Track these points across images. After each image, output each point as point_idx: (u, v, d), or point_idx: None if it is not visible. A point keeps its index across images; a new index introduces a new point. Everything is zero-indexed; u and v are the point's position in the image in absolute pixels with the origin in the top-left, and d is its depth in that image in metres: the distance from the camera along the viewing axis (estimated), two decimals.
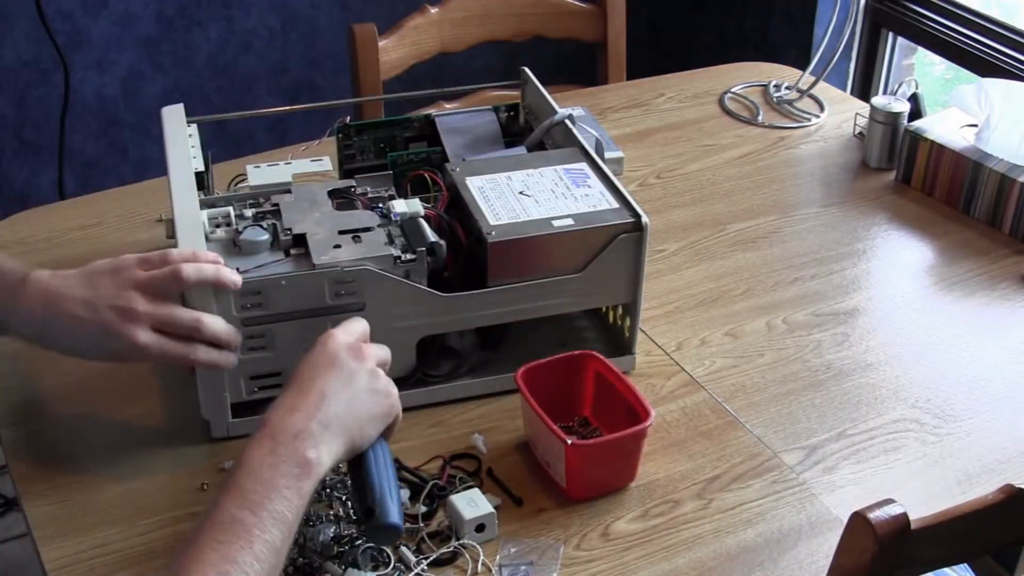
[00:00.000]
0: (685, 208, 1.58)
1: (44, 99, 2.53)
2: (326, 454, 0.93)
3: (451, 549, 1.03)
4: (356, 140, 1.36)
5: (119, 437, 1.17)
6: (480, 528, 1.04)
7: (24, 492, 1.10)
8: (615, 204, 1.20)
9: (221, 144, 1.29)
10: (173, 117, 1.31)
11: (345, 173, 1.35)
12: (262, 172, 1.26)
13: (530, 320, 1.21)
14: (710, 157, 1.70)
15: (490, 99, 1.84)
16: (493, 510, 1.05)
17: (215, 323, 1.07)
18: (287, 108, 1.34)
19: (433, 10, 1.94)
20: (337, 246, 1.13)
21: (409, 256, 1.13)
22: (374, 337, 1.13)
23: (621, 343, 1.27)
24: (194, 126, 1.32)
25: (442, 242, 1.15)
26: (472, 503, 1.05)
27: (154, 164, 2.69)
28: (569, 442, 1.06)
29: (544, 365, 1.15)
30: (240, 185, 1.32)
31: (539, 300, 1.19)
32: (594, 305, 1.26)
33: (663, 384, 1.26)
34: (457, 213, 1.21)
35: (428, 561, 1.02)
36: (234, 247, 1.14)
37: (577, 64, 2.31)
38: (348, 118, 1.36)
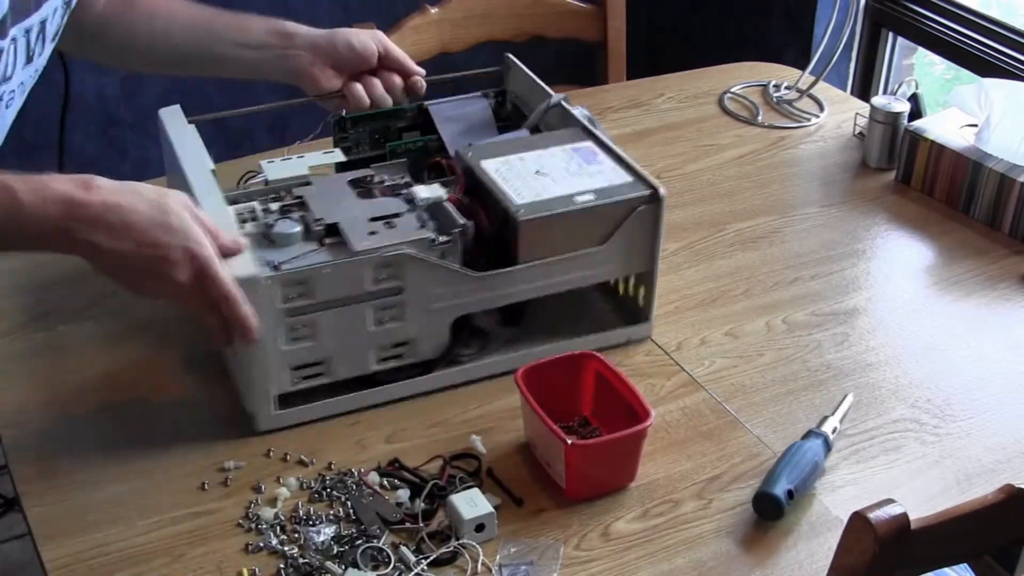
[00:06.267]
0: (685, 208, 1.58)
1: (44, 99, 2.52)
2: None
3: (451, 549, 1.03)
4: (352, 132, 1.38)
5: (119, 437, 1.17)
6: (480, 528, 1.04)
7: (24, 492, 1.10)
8: (629, 178, 1.24)
9: (219, 144, 1.30)
10: (173, 118, 1.32)
11: (342, 165, 1.35)
12: (277, 167, 1.27)
13: (545, 296, 1.24)
14: (710, 157, 1.70)
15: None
16: (492, 510, 1.05)
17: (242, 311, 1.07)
18: (281, 103, 1.37)
19: (433, 10, 1.94)
20: (372, 232, 1.15)
21: (444, 238, 1.16)
22: (413, 318, 1.16)
23: (636, 312, 1.30)
24: (192, 126, 1.32)
25: (471, 223, 1.18)
26: (472, 503, 1.05)
27: (154, 164, 2.67)
28: (569, 442, 1.06)
29: (544, 365, 1.15)
30: (251, 181, 1.34)
31: (566, 274, 1.23)
32: (615, 276, 1.29)
33: (663, 384, 1.26)
34: (477, 195, 1.23)
35: (428, 561, 1.02)
36: (265, 240, 1.16)
37: (577, 64, 2.31)
38: (344, 111, 1.37)
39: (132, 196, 1.04)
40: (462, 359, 1.24)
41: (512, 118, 1.46)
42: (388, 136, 1.40)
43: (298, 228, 1.16)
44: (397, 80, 1.37)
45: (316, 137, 1.42)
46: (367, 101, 1.35)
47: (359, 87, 1.35)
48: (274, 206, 1.21)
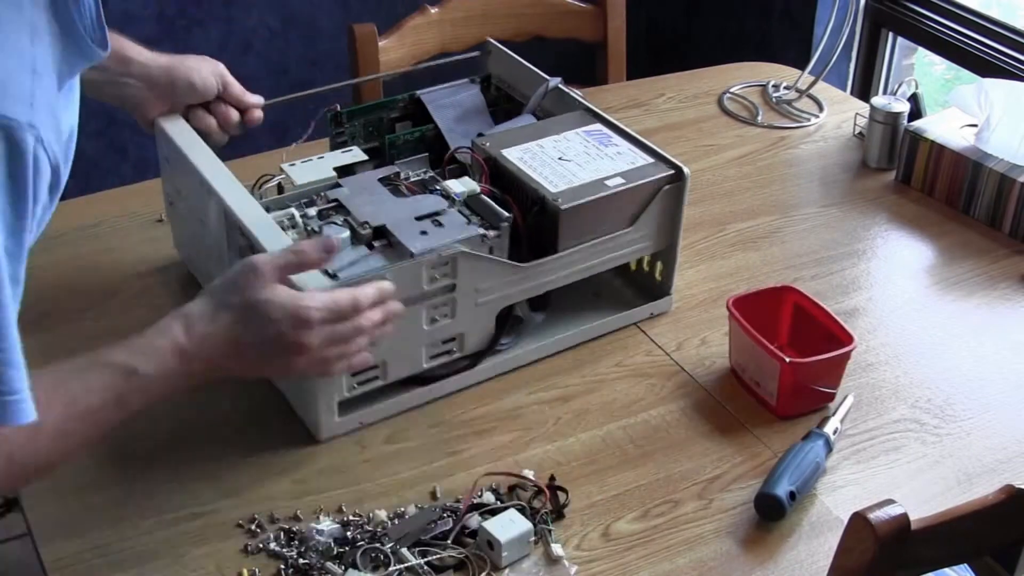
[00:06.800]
0: (685, 208, 1.57)
1: None
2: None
3: (456, 553, 1.02)
4: (348, 127, 1.37)
5: (118, 437, 1.16)
6: (512, 547, 1.02)
7: (24, 492, 1.09)
8: (650, 159, 1.28)
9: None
10: (174, 126, 1.29)
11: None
12: (301, 169, 1.26)
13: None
14: (710, 157, 1.70)
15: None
16: (531, 526, 1.03)
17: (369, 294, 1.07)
18: (283, 99, 1.36)
19: (433, 10, 1.94)
20: (423, 232, 1.15)
21: (494, 233, 1.16)
22: (463, 313, 1.16)
23: (652, 287, 1.34)
24: (195, 133, 1.29)
25: (511, 214, 1.18)
26: (510, 523, 1.03)
27: (154, 164, 2.67)
28: (787, 360, 1.15)
29: (749, 296, 1.26)
30: (266, 186, 1.30)
31: (600, 256, 1.26)
32: (641, 254, 1.32)
33: (663, 384, 1.25)
34: (502, 184, 1.24)
35: (427, 561, 1.01)
36: None
37: (577, 64, 2.31)
38: (338, 106, 1.36)
39: (230, 323, 1.03)
40: (500, 348, 1.24)
41: (499, 103, 1.46)
42: (381, 128, 1.39)
43: (347, 233, 1.15)
44: (233, 114, 1.33)
45: (309, 138, 1.40)
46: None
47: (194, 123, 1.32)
48: (311, 211, 1.19)
